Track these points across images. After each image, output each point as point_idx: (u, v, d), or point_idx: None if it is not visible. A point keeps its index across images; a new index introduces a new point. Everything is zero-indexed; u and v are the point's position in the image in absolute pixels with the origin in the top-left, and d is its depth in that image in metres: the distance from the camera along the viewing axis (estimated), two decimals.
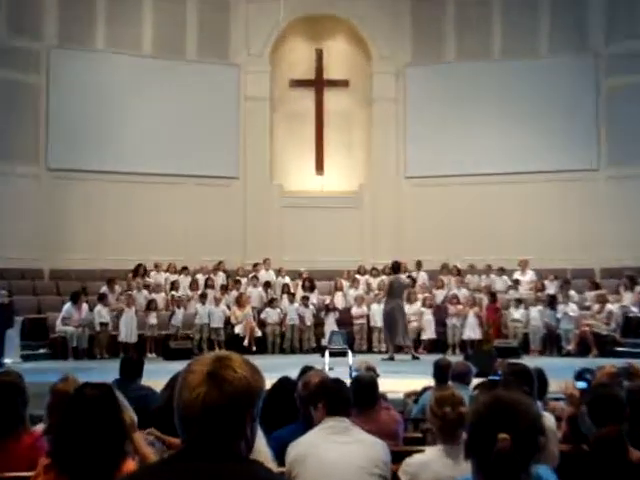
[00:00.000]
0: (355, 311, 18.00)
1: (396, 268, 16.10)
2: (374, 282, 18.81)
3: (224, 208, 20.24)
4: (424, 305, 17.76)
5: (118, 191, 19.28)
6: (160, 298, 17.78)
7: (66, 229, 18.84)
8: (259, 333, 17.45)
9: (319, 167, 21.20)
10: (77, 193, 19.05)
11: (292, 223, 20.40)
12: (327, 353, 13.24)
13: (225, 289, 18.27)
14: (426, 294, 18.18)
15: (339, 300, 18.53)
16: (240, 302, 17.59)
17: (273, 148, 21.11)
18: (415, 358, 15.35)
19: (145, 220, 19.42)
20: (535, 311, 17.19)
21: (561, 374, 7.09)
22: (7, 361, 14.26)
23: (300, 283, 18.93)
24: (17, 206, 18.22)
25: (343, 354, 13.29)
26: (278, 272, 19.36)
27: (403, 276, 17.57)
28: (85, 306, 16.54)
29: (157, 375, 6.56)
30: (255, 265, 19.31)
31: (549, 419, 4.73)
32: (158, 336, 17.10)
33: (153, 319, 17.10)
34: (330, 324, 17.48)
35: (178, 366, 2.73)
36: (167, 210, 19.70)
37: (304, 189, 21.05)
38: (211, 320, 17.33)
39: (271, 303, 17.93)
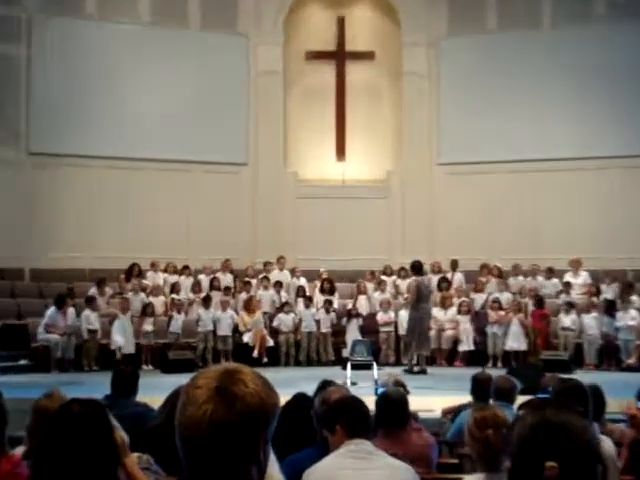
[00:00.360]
0: (381, 317, 18.02)
1: (418, 269, 16.13)
2: (403, 284, 18.66)
3: (231, 199, 20.37)
4: (460, 311, 17.80)
5: (109, 179, 19.35)
6: (158, 302, 17.84)
7: (50, 223, 18.87)
8: (271, 342, 17.48)
9: (340, 152, 21.21)
10: (62, 181, 19.13)
11: (309, 216, 20.46)
12: (349, 365, 13.44)
13: (232, 292, 18.33)
14: (463, 298, 18.20)
15: (363, 305, 18.52)
16: (249, 307, 17.67)
17: (287, 130, 21.20)
18: (422, 372, 15.55)
19: (141, 212, 19.48)
20: (590, 318, 17.11)
21: (621, 392, 7.24)
22: None
23: (318, 285, 19.01)
24: None
25: (367, 366, 13.37)
26: (293, 272, 19.41)
27: (434, 277, 17.75)
28: (71, 311, 16.53)
29: (154, 390, 6.64)
30: (267, 264, 19.35)
31: (607, 444, 4.69)
32: (155, 345, 17.18)
33: (149, 326, 17.20)
34: (352, 332, 17.52)
35: (178, 380, 2.77)
36: (166, 201, 19.78)
37: (323, 177, 21.10)
38: (216, 327, 17.41)
39: (284, 308, 17.99)
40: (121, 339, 16.61)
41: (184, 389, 2.08)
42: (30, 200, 18.70)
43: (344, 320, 18.08)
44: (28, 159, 18.99)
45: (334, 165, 21.16)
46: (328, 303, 18.07)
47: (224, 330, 17.41)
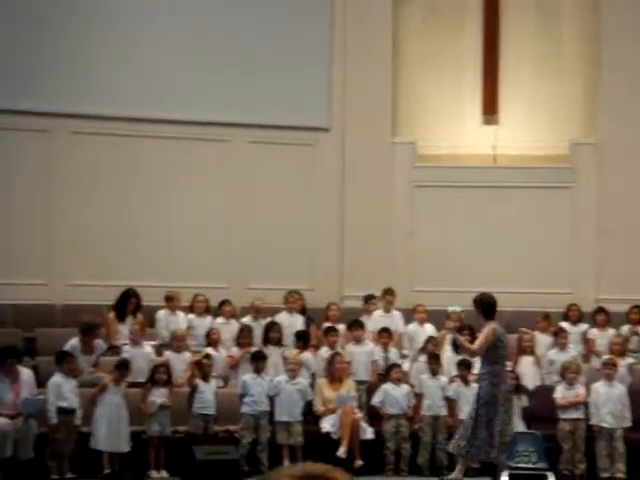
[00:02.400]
0: (562, 394, 17.61)
1: (490, 308, 15.89)
2: (601, 338, 18.91)
3: (302, 187, 21.02)
4: None
5: (91, 152, 19.88)
6: (178, 361, 17.87)
7: None
8: (369, 434, 17.31)
9: (489, 108, 21.58)
10: (17, 152, 19.66)
11: (434, 217, 20.95)
12: (506, 478, 13.93)
13: (304, 346, 18.40)
14: None
15: (529, 372, 18.52)
16: (333, 372, 17.76)
17: (399, 73, 21.62)
18: None
19: (146, 210, 20.29)
20: None
21: None
22: None
23: (450, 337, 18.34)
24: None
25: None
26: (408, 315, 19.50)
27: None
28: (27, 375, 16.37)
29: None
30: (366, 300, 19.60)
31: None
32: (171, 436, 16.90)
33: (160, 398, 16.84)
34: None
35: None
36: (189, 192, 20.55)
37: (459, 151, 21.45)
38: (275, 406, 17.27)
39: (393, 374, 17.92)
40: (108, 427, 16.33)
41: None
42: None
43: None
44: None
45: (479, 131, 21.60)
46: (463, 367, 17.95)
47: (289, 411, 17.30)
